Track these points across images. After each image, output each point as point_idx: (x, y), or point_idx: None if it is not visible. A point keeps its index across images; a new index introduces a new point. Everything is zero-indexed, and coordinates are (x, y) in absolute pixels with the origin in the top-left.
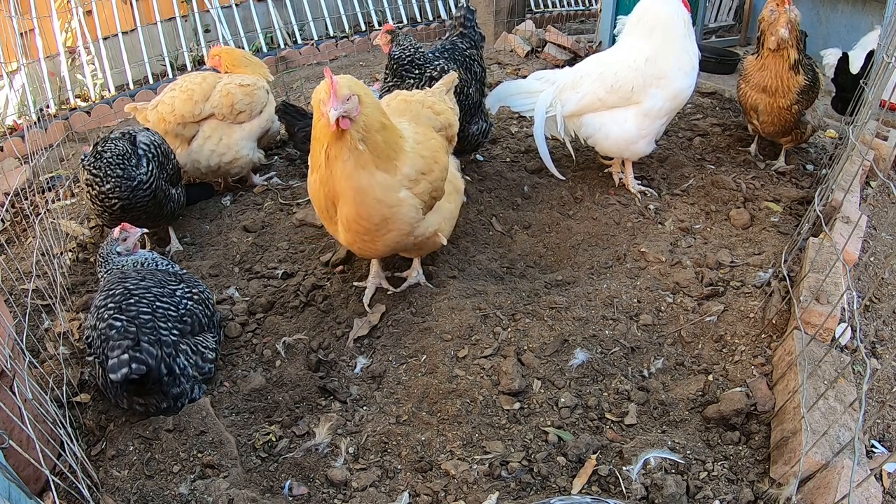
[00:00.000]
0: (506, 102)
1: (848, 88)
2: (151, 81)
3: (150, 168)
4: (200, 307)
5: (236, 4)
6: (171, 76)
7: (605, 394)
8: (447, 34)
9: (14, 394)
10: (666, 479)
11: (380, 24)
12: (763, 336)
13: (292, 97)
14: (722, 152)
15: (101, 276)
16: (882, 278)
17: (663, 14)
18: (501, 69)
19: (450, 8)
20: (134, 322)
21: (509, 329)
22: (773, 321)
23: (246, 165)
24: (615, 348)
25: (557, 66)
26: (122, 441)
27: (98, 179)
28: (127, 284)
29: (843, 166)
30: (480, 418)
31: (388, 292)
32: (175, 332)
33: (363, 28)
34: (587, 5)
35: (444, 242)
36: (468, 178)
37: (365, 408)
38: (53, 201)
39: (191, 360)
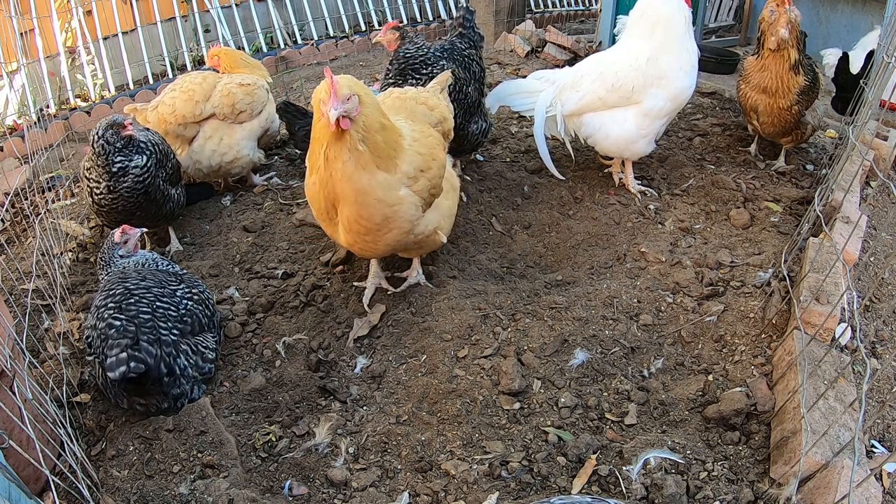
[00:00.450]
0: (505, 102)
1: (848, 88)
2: (151, 81)
3: (148, 164)
4: (200, 307)
5: (236, 4)
6: (171, 76)
7: (605, 394)
8: (448, 35)
9: (14, 394)
10: (666, 479)
11: (380, 25)
12: (763, 336)
13: (292, 97)
14: (722, 152)
15: (102, 278)
16: (882, 278)
17: (665, 11)
18: (501, 69)
19: (450, 8)
20: (133, 321)
21: (509, 329)
22: (773, 321)
23: (247, 165)
24: (615, 348)
25: (557, 66)
26: (122, 441)
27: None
28: (127, 284)
29: (843, 166)
30: (480, 418)
31: (388, 292)
32: (175, 332)
33: (363, 28)
34: (587, 5)
35: (444, 241)
36: (468, 177)
37: (365, 408)
38: (53, 201)
39: (191, 361)
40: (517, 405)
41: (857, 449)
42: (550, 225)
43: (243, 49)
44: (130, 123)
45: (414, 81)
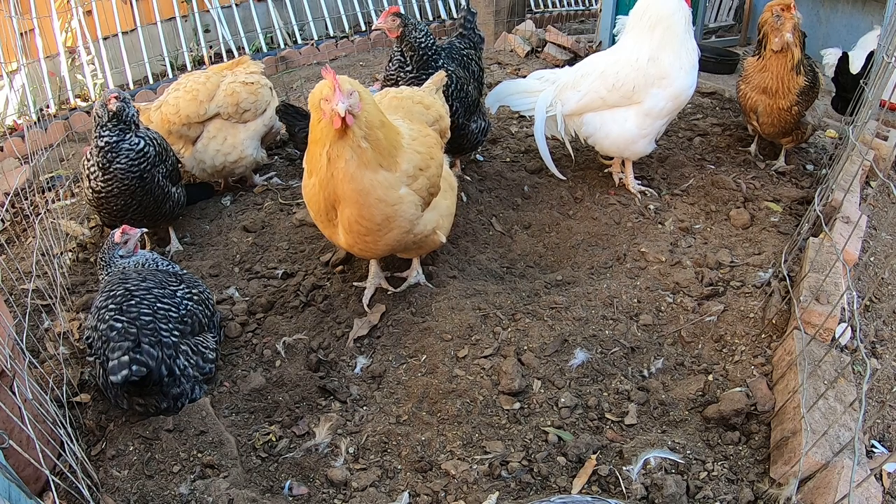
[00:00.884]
0: (505, 102)
1: (848, 88)
2: (151, 81)
3: (145, 149)
4: (201, 307)
5: (236, 4)
6: (171, 76)
7: (605, 394)
8: (448, 35)
9: (14, 394)
10: (666, 479)
11: None
12: (763, 336)
13: (292, 97)
14: (722, 152)
15: (102, 279)
16: (882, 278)
17: (665, 11)
18: (501, 69)
19: (450, 8)
20: (134, 323)
21: (509, 329)
22: (773, 321)
23: (250, 165)
24: (615, 348)
25: (557, 66)
26: (122, 441)
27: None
28: (128, 285)
29: (843, 166)
30: (480, 418)
31: (388, 292)
32: (176, 333)
33: (363, 28)
34: (587, 5)
35: (443, 240)
36: (468, 177)
37: (365, 408)
38: (53, 201)
39: (191, 361)
40: (517, 405)
41: (857, 449)
42: (550, 225)
43: (243, 49)
44: (116, 97)
45: (433, 72)
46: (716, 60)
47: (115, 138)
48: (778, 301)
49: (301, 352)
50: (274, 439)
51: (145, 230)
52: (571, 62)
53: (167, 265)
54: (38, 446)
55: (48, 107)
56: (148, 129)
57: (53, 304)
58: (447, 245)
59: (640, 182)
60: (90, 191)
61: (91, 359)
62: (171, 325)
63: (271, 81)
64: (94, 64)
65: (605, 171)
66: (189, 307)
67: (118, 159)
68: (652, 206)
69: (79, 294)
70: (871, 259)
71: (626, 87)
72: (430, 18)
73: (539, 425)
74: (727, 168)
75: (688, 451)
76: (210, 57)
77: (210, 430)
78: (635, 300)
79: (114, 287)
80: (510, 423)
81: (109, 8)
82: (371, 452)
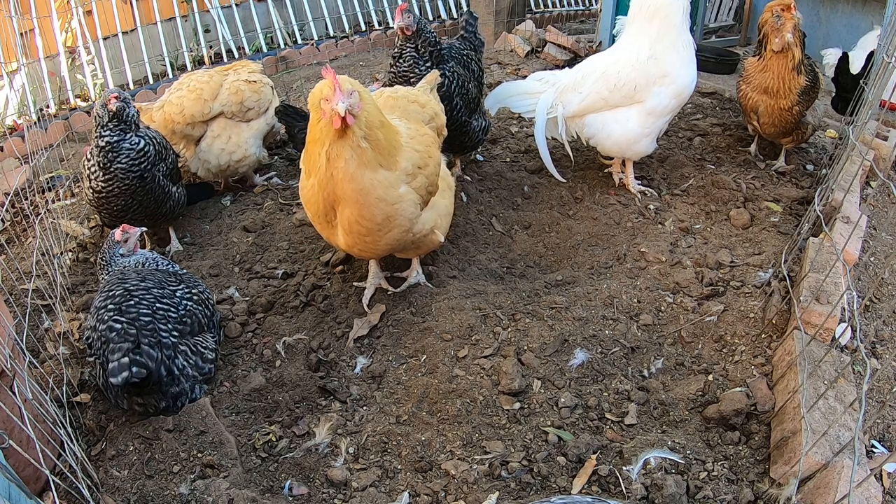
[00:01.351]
0: (505, 103)
1: (848, 88)
2: (151, 81)
3: (145, 148)
4: (200, 307)
5: (236, 4)
6: (171, 76)
7: (605, 394)
8: (448, 36)
9: (14, 394)
10: (666, 479)
11: (380, 24)
12: (763, 336)
13: (292, 97)
14: (722, 152)
15: (102, 278)
16: (882, 278)
17: (664, 1)
18: (501, 69)
19: (450, 8)
20: (134, 324)
21: (509, 329)
22: (773, 321)
23: (253, 164)
24: (615, 348)
25: (557, 67)
26: (122, 441)
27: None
28: (127, 285)
29: (843, 166)
30: (480, 418)
31: (388, 292)
32: (175, 333)
33: (363, 28)
34: (587, 5)
35: (442, 240)
36: (468, 177)
37: (365, 408)
38: (53, 201)
39: (190, 361)
40: (517, 405)
41: (857, 449)
42: (550, 225)
43: (243, 49)
44: (116, 97)
45: (445, 67)
46: (716, 60)
47: (115, 138)
48: (778, 301)
49: (301, 352)
50: (274, 439)
51: (145, 229)
52: (571, 62)
53: (167, 265)
54: (38, 446)
55: (48, 107)
56: (148, 128)
57: (53, 304)
58: (447, 245)
59: (640, 182)
60: (91, 190)
61: (91, 359)
62: (170, 325)
63: (271, 81)
64: (94, 64)
65: (605, 171)
66: (188, 307)
67: (119, 159)
68: (652, 206)
69: (79, 294)
70: (871, 259)
71: (628, 86)
72: (430, 18)
73: (539, 425)
74: (727, 168)
75: (688, 451)
76: (210, 57)
77: (210, 430)
78: (635, 300)
79: (113, 287)
80: (510, 423)
81: (109, 8)
82: (371, 452)
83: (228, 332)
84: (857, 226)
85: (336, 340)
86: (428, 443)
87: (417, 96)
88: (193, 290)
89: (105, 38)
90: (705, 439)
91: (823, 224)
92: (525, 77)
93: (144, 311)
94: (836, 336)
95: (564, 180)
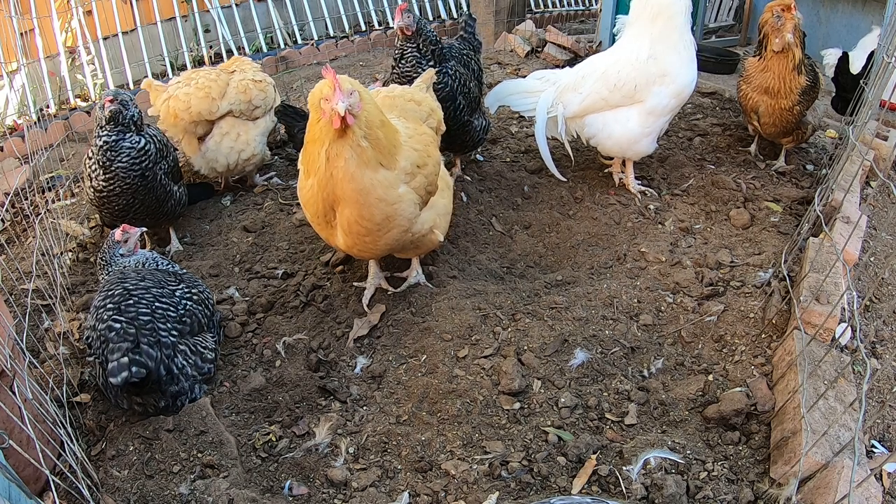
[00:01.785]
0: (505, 102)
1: (848, 88)
2: None
3: (146, 147)
4: (200, 307)
5: (236, 4)
6: (171, 76)
7: (605, 394)
8: (447, 37)
9: (14, 394)
10: (666, 479)
11: (380, 24)
12: (763, 336)
13: (292, 97)
14: (722, 152)
15: (102, 278)
16: (882, 278)
17: (668, 2)
18: (501, 69)
19: (450, 8)
20: (133, 324)
21: (509, 329)
22: (773, 321)
23: (259, 162)
24: (615, 348)
25: (557, 66)
26: (122, 441)
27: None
28: (126, 285)
29: (843, 166)
30: (480, 418)
31: (388, 292)
32: (174, 332)
33: (363, 28)
34: (587, 5)
35: (441, 240)
36: (468, 177)
37: (365, 408)
38: (53, 201)
39: (189, 360)
40: (517, 405)
41: (857, 449)
42: (550, 225)
43: (243, 49)
44: (111, 99)
45: (447, 65)
46: (716, 60)
47: (115, 137)
48: (778, 301)
49: (301, 352)
50: (274, 439)
51: (145, 229)
52: (571, 62)
53: (167, 265)
54: (38, 446)
55: (48, 107)
56: (149, 125)
57: (53, 304)
58: (447, 245)
59: (640, 182)
60: (91, 190)
61: (90, 359)
62: (169, 325)
63: (273, 80)
64: (94, 64)
65: (606, 171)
66: (188, 307)
67: (119, 158)
68: (652, 206)
69: (79, 294)
70: (871, 259)
71: (628, 86)
72: (430, 18)
73: (539, 425)
74: (727, 168)
75: (688, 451)
76: (210, 57)
77: (210, 430)
78: (635, 300)
79: (112, 286)
80: (510, 423)
81: (109, 8)
82: (371, 452)
83: (228, 332)
84: (857, 226)
85: (336, 340)
86: (428, 443)
87: (413, 94)
88: (193, 290)
89: (105, 38)
90: (705, 439)
91: (823, 224)
92: (525, 77)
93: (143, 310)
94: (836, 336)
95: (565, 180)
